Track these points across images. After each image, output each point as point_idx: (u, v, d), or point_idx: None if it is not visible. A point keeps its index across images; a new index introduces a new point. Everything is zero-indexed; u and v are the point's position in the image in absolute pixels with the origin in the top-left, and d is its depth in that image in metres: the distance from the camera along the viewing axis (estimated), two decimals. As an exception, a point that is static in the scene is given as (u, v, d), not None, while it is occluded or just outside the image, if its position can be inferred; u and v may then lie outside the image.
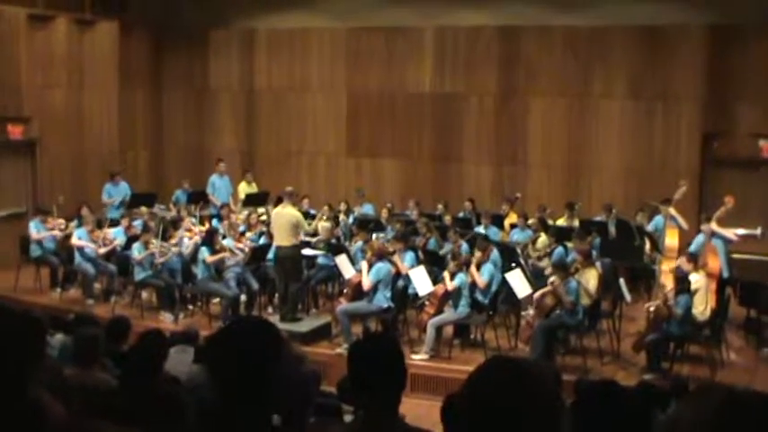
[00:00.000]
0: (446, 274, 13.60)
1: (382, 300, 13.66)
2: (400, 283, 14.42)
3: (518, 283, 13.71)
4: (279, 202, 16.10)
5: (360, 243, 15.69)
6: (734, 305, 14.46)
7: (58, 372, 6.25)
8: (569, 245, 15.42)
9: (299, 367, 8.13)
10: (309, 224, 16.62)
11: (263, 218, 17.50)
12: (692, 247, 14.69)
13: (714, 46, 18.21)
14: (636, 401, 4.33)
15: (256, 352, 2.79)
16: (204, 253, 15.01)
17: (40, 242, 16.58)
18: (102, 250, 16.24)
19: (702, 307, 12.87)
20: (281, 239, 14.51)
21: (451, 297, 13.57)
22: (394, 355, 3.53)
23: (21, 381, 2.67)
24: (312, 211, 18.10)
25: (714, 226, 14.71)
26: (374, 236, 16.30)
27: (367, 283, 13.62)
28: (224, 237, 15.77)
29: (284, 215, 14.53)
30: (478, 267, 13.70)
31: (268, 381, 2.77)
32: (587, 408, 4.24)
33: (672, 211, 15.53)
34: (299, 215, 14.85)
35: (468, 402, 2.23)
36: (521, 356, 11.78)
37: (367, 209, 19.34)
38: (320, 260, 16.05)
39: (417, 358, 13.01)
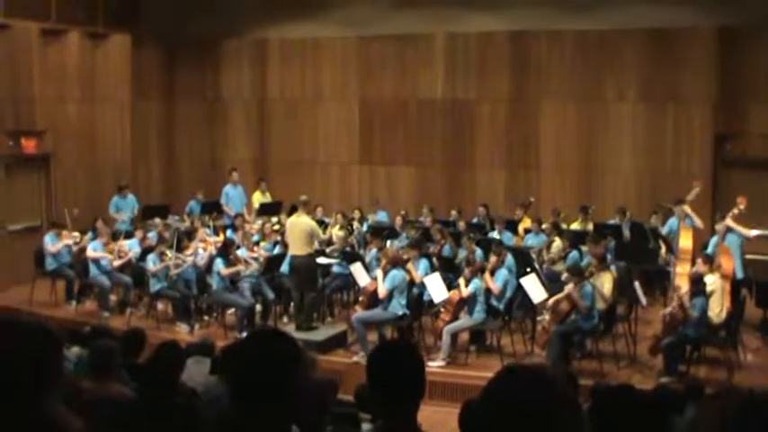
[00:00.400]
0: (461, 281, 13.60)
1: (397, 307, 13.65)
2: (415, 290, 14.40)
3: (533, 288, 13.69)
4: (293, 211, 16.10)
5: (374, 251, 15.69)
6: (750, 306, 14.41)
7: (74, 385, 6.27)
8: (584, 249, 15.40)
9: (312, 374, 8.16)
10: (324, 232, 16.63)
11: (277, 227, 17.53)
12: (708, 249, 14.65)
13: (724, 47, 18.19)
14: (653, 406, 4.33)
15: (276, 364, 2.80)
16: (219, 265, 15.04)
17: (55, 255, 16.64)
18: (117, 262, 16.28)
19: (718, 309, 12.83)
20: (296, 248, 14.50)
21: (467, 303, 13.56)
22: (414, 362, 3.48)
23: (38, 395, 2.69)
24: (326, 220, 18.12)
25: (729, 221, 14.69)
26: (388, 243, 16.31)
27: (382, 290, 13.61)
28: (238, 247, 15.80)
29: (299, 224, 14.52)
30: (493, 273, 13.70)
31: (287, 392, 2.78)
32: (605, 413, 4.24)
33: (687, 209, 15.45)
34: (313, 224, 14.83)
35: (486, 411, 2.24)
36: (537, 363, 11.78)
37: (381, 216, 19.35)
38: (335, 268, 16.06)
39: (434, 365, 12.97)
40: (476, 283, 13.45)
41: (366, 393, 8.06)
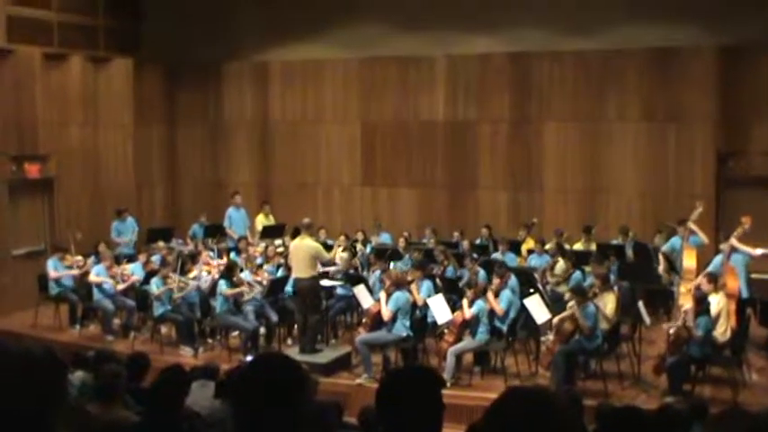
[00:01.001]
0: (464, 302, 13.59)
1: (401, 329, 13.64)
2: (419, 311, 14.39)
3: (537, 308, 13.68)
4: (296, 233, 16.11)
5: (378, 272, 15.70)
6: (754, 325, 14.38)
7: (80, 410, 6.27)
8: (587, 269, 15.39)
9: (315, 397, 8.14)
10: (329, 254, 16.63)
11: (281, 250, 17.53)
12: (711, 268, 14.63)
13: (725, 66, 18.23)
14: (658, 426, 4.33)
15: (281, 389, 2.80)
16: (223, 287, 15.04)
17: (58, 280, 16.67)
18: (121, 286, 16.29)
19: (723, 328, 12.80)
20: (300, 271, 14.48)
21: (470, 325, 13.55)
22: (433, 389, 3.24)
23: (44, 421, 2.69)
24: (329, 242, 18.13)
25: (734, 242, 14.67)
26: (392, 265, 16.31)
27: (387, 312, 13.61)
28: (242, 270, 15.81)
29: (302, 247, 14.50)
30: (496, 294, 13.70)
31: (292, 417, 2.78)
32: (610, 434, 4.24)
33: (692, 225, 15.44)
34: (317, 246, 14.79)
35: None
36: (539, 386, 11.74)
37: (384, 238, 19.36)
38: (339, 291, 16.06)
39: (438, 387, 12.92)
40: (479, 304, 13.44)
41: (371, 416, 8.05)
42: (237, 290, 15.05)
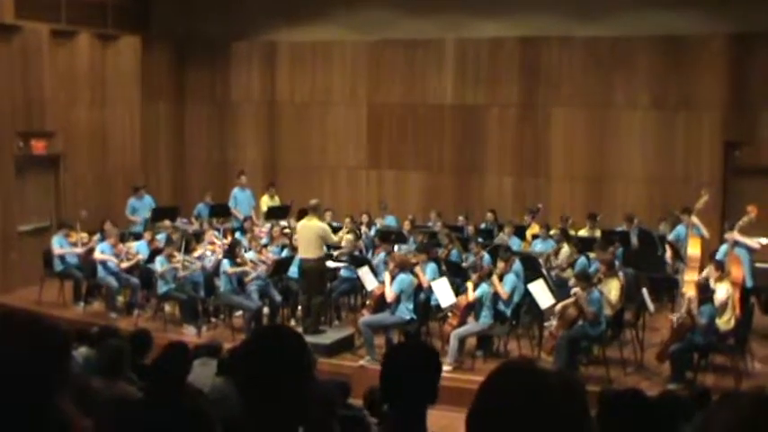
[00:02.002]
0: (469, 285, 13.59)
1: (405, 311, 13.65)
2: (423, 294, 14.40)
3: (541, 293, 13.69)
4: (302, 215, 16.10)
5: (382, 255, 15.71)
6: (758, 315, 14.38)
7: (84, 384, 6.28)
8: (591, 255, 15.39)
9: (314, 372, 8.13)
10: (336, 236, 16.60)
11: (286, 231, 17.52)
12: (717, 256, 14.59)
13: (735, 54, 18.16)
14: (661, 412, 4.31)
15: (283, 360, 2.79)
16: (226, 265, 15.05)
17: (62, 257, 16.69)
18: (125, 264, 16.30)
19: (727, 317, 12.79)
20: (307, 252, 14.49)
21: (474, 308, 13.55)
22: (431, 364, 3.43)
23: (52, 393, 2.69)
24: (335, 224, 18.11)
25: (736, 235, 14.60)
26: (396, 248, 16.30)
27: (390, 294, 13.62)
28: (247, 250, 15.82)
29: (310, 227, 14.49)
30: (501, 278, 13.69)
31: (294, 389, 2.77)
32: (612, 418, 4.22)
33: (694, 219, 15.44)
34: (324, 226, 14.79)
35: (480, 415, 2.19)
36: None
37: (389, 221, 19.34)
38: (343, 272, 16.05)
39: (441, 370, 12.93)
40: (483, 287, 13.45)
41: (375, 397, 8.07)
42: (240, 269, 15.06)
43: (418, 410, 3.37)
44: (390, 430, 3.51)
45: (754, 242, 14.69)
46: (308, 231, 14.50)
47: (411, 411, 3.35)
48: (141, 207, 19.16)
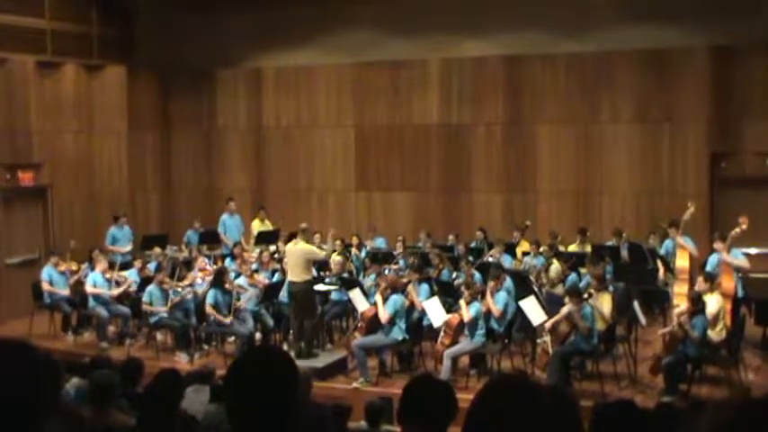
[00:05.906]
0: (462, 304, 13.57)
1: (398, 332, 13.65)
2: (415, 314, 14.39)
3: (532, 310, 13.67)
4: (290, 238, 16.10)
5: (372, 276, 15.71)
6: (749, 324, 14.39)
7: (75, 413, 6.25)
8: (582, 271, 15.39)
9: (309, 393, 8.13)
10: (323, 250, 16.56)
11: (276, 255, 17.50)
12: (707, 268, 14.60)
13: (717, 66, 18.24)
14: (655, 422, 4.32)
15: (274, 380, 2.78)
16: (210, 298, 14.97)
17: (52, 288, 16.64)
18: (116, 291, 16.24)
19: (718, 327, 12.82)
20: (294, 275, 14.50)
21: (466, 327, 13.54)
22: (450, 400, 3.80)
23: (39, 420, 2.68)
24: (324, 247, 18.09)
25: (726, 256, 14.51)
26: (386, 269, 16.30)
27: (385, 315, 13.62)
28: (237, 275, 15.80)
29: (296, 251, 14.52)
30: (492, 296, 13.69)
31: (286, 409, 2.76)
32: (605, 429, 4.23)
33: (679, 239, 15.43)
34: (310, 247, 14.87)
35: (476, 422, 2.19)
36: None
37: (379, 242, 19.34)
38: (333, 295, 16.04)
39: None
40: (476, 306, 13.43)
41: (376, 409, 8.08)
42: (217, 314, 14.97)
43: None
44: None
45: (742, 261, 14.65)
46: (294, 255, 14.54)
47: None
48: (122, 236, 19.07)
